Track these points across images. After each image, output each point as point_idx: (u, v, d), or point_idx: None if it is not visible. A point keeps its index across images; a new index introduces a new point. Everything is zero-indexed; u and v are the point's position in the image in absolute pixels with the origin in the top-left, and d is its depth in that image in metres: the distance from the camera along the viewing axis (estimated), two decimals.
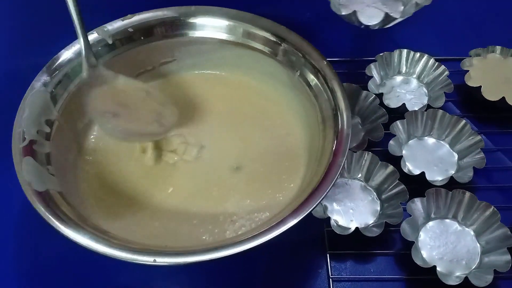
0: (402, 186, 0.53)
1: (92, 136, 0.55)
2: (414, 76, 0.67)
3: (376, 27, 0.61)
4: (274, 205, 0.50)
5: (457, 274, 0.49)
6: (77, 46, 0.53)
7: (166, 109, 0.54)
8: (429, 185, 0.54)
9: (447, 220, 0.53)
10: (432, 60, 0.66)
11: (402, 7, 0.62)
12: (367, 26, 0.61)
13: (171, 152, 0.54)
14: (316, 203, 0.43)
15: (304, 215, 0.42)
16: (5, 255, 0.53)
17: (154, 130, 0.52)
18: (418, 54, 0.67)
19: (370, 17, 0.62)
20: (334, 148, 0.47)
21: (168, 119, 0.53)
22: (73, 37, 0.52)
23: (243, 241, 0.41)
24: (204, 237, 0.48)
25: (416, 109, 0.61)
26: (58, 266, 0.52)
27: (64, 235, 0.41)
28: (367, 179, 0.56)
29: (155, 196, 0.51)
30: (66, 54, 0.53)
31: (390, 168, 0.55)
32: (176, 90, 0.60)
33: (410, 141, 0.60)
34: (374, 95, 0.62)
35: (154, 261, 0.39)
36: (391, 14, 0.60)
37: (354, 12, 0.59)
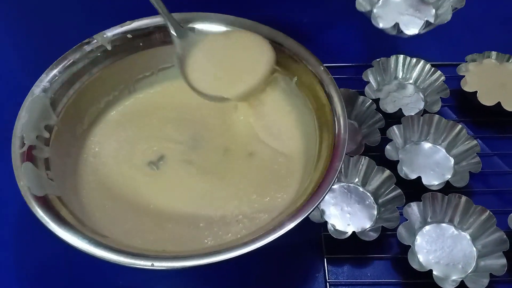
0: (399, 190, 0.54)
1: (91, 141, 0.56)
2: (411, 81, 0.68)
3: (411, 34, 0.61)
4: (271, 209, 0.50)
5: (453, 278, 0.50)
6: (78, 51, 0.54)
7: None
8: (426, 189, 0.55)
9: (444, 224, 0.54)
10: (428, 66, 0.66)
11: (434, 10, 0.62)
12: (404, 34, 0.60)
13: None
14: (313, 208, 0.43)
15: (301, 220, 0.42)
16: (4, 259, 0.53)
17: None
18: (414, 60, 0.67)
19: (410, 26, 0.61)
20: (331, 153, 0.47)
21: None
22: (73, 43, 0.53)
23: (240, 245, 0.41)
24: (206, 241, 0.48)
25: (413, 114, 0.62)
26: (57, 271, 0.52)
27: (62, 239, 0.41)
28: (364, 183, 0.57)
29: (155, 200, 0.51)
30: (66, 60, 0.53)
31: (387, 172, 0.55)
32: (176, 96, 0.61)
33: (406, 146, 0.61)
34: (370, 100, 0.62)
35: (152, 265, 0.40)
36: (430, 20, 0.59)
37: (396, 25, 0.59)
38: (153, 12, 0.58)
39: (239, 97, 0.54)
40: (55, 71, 0.52)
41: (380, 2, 0.63)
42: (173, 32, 0.54)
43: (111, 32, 0.56)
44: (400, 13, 0.63)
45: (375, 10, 0.62)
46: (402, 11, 0.63)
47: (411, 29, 0.61)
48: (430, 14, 0.62)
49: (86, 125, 0.56)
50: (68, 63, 0.53)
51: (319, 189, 0.45)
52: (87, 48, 0.54)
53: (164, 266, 0.40)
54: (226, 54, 0.55)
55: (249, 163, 0.54)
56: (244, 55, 0.55)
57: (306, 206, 0.43)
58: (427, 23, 0.59)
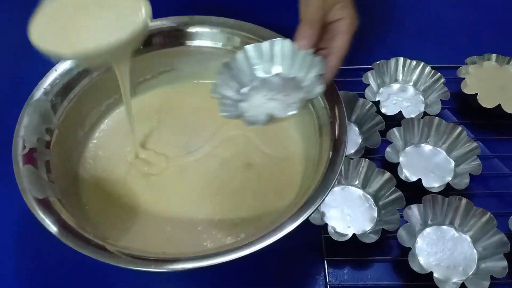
0: (399, 192, 0.54)
1: (92, 144, 0.56)
2: (411, 84, 0.68)
3: None
4: (273, 210, 0.50)
5: (454, 280, 0.50)
6: None
7: None
8: (426, 191, 0.55)
9: (444, 227, 0.54)
10: (428, 68, 0.67)
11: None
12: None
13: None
14: (313, 210, 0.43)
15: (301, 222, 0.42)
16: (5, 261, 0.53)
17: None
18: (414, 62, 0.67)
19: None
20: (330, 155, 0.47)
21: None
22: None
23: (241, 247, 0.41)
24: (206, 244, 0.49)
25: (413, 116, 0.62)
26: (58, 273, 0.52)
27: (63, 242, 0.41)
28: (364, 186, 0.57)
29: (154, 204, 0.52)
30: (67, 63, 0.54)
31: (387, 175, 0.55)
32: (175, 100, 0.61)
33: (406, 148, 0.61)
34: (371, 103, 0.62)
35: (152, 267, 0.40)
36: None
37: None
38: (153, 16, 0.58)
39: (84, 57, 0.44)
40: (56, 75, 0.53)
41: None
42: None
43: None
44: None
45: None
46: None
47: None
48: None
49: (87, 128, 0.56)
50: (69, 67, 0.54)
51: (319, 191, 0.45)
52: None
53: (164, 269, 0.40)
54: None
55: (247, 174, 0.54)
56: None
57: (306, 208, 0.43)
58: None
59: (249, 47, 0.50)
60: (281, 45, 0.50)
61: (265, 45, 0.50)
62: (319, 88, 0.46)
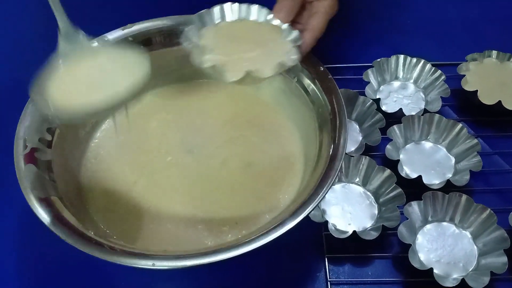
0: (399, 189, 0.54)
1: (93, 144, 0.56)
2: (411, 81, 0.68)
3: None
4: (273, 208, 0.51)
5: (454, 276, 0.50)
6: None
7: None
8: (426, 188, 0.55)
9: (444, 223, 0.54)
10: (429, 65, 0.67)
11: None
12: None
13: None
14: (313, 207, 0.43)
15: (301, 219, 0.42)
16: (7, 260, 0.53)
17: None
18: (415, 60, 0.67)
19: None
20: (330, 153, 0.48)
21: None
22: None
23: (241, 244, 0.41)
24: (207, 242, 0.49)
25: (413, 113, 0.62)
26: (60, 272, 0.52)
27: (64, 240, 0.41)
28: (364, 183, 0.57)
29: (155, 202, 0.52)
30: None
31: (387, 172, 0.55)
32: (175, 99, 0.61)
33: (407, 145, 0.61)
34: (371, 100, 0.63)
35: (153, 265, 0.40)
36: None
37: None
38: (153, 15, 0.59)
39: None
40: None
41: None
42: (61, 28, 0.46)
43: (112, 35, 0.57)
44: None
45: None
46: None
47: None
48: None
49: (88, 128, 0.56)
50: None
51: (319, 188, 0.45)
52: None
53: (165, 266, 0.40)
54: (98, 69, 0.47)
55: (247, 173, 0.54)
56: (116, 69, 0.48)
57: (306, 205, 0.43)
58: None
59: (227, 5, 0.52)
60: (257, 12, 0.52)
61: (243, 7, 0.52)
62: (295, 58, 0.49)
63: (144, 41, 0.58)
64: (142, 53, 0.48)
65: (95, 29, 0.55)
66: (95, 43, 0.50)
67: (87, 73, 0.46)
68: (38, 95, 0.44)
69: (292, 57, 0.50)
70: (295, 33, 0.51)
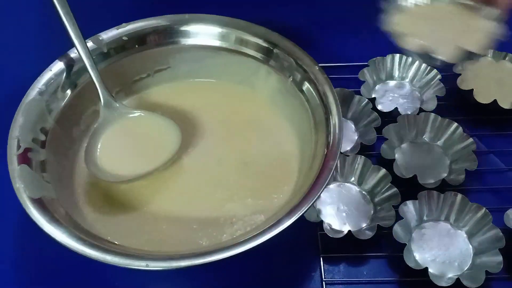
0: (395, 189, 0.54)
1: (87, 144, 0.56)
2: (407, 80, 0.68)
3: None
4: (268, 208, 0.50)
5: (450, 275, 0.50)
6: (73, 54, 0.54)
7: None
8: (422, 187, 0.55)
9: (440, 222, 0.54)
10: (424, 65, 0.66)
11: None
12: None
13: None
14: (308, 206, 0.43)
15: (296, 218, 0.42)
16: (2, 261, 0.53)
17: None
18: (410, 59, 0.67)
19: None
20: (326, 152, 0.48)
21: None
22: (69, 46, 0.53)
23: (236, 244, 0.41)
24: (201, 241, 0.49)
25: (409, 112, 0.62)
26: (55, 272, 0.52)
27: (58, 241, 0.41)
28: (360, 182, 0.57)
29: (150, 202, 0.52)
30: (62, 63, 0.54)
31: (383, 171, 0.55)
32: (171, 98, 0.61)
33: (402, 145, 0.61)
34: (367, 100, 0.62)
35: (147, 265, 0.40)
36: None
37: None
38: (148, 14, 0.58)
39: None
40: (51, 74, 0.53)
41: None
42: (102, 100, 0.53)
43: (106, 35, 0.57)
44: None
45: None
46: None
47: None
48: None
49: (82, 128, 0.56)
50: (64, 66, 0.54)
51: (314, 187, 0.45)
52: None
53: (159, 267, 0.40)
54: (137, 136, 0.55)
55: (244, 172, 0.54)
56: (153, 137, 0.55)
57: (301, 205, 0.43)
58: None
59: None
60: None
61: None
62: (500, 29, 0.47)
63: (139, 40, 0.58)
64: (173, 123, 0.55)
65: (90, 29, 0.55)
66: (132, 111, 0.56)
67: (130, 142, 0.54)
68: (91, 165, 0.51)
69: (495, 30, 0.47)
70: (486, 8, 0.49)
